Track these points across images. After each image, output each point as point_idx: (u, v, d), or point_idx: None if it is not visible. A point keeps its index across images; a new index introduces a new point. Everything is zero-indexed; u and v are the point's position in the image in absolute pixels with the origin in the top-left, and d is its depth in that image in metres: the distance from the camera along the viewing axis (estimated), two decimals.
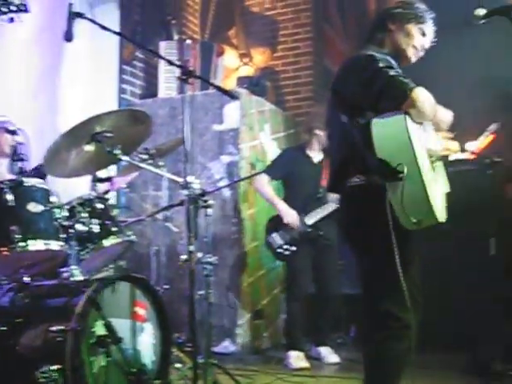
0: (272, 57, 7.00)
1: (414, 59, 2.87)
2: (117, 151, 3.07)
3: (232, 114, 5.44)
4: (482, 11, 2.60)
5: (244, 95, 5.53)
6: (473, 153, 4.59)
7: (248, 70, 6.84)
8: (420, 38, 2.84)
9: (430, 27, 2.87)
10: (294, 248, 4.75)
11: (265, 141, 5.80)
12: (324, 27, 7.11)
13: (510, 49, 2.61)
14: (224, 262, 5.30)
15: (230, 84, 6.33)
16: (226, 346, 5.25)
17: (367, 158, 2.55)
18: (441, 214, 2.58)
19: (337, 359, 4.86)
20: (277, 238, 4.80)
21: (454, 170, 5.00)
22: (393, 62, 2.70)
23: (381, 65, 2.58)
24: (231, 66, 6.85)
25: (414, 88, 2.50)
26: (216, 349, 5.09)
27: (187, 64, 5.83)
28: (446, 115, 2.85)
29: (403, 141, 2.46)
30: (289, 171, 4.90)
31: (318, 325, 5.02)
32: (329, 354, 4.88)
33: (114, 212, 3.44)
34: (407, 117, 2.49)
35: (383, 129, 2.52)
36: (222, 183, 5.33)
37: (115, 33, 3.22)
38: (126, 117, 3.19)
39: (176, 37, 6.15)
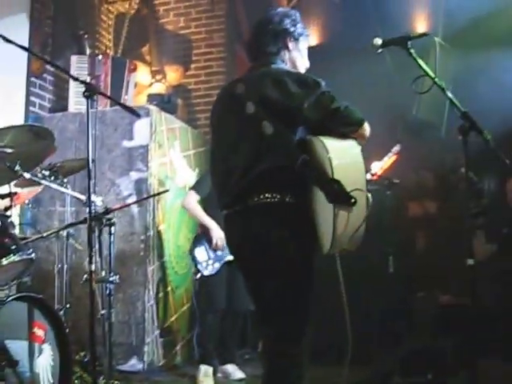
0: (185, 75, 7.00)
1: None
2: (17, 167, 2.97)
3: (142, 130, 5.39)
4: (379, 41, 2.66)
5: (155, 112, 5.49)
6: (375, 174, 4.70)
7: (161, 87, 6.79)
8: (306, 57, 2.90)
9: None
10: (216, 265, 4.77)
11: (175, 158, 5.76)
12: (236, 48, 7.16)
13: (408, 75, 2.66)
14: (132, 278, 5.23)
15: (143, 100, 6.26)
16: (133, 364, 5.16)
17: (291, 175, 2.49)
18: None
19: (242, 375, 4.86)
20: (203, 253, 4.82)
21: None
22: None
23: (325, 89, 2.62)
24: (144, 82, 6.79)
25: (364, 120, 2.57)
26: (123, 367, 5.01)
27: (98, 79, 5.75)
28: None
29: (358, 167, 2.46)
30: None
31: (225, 342, 5.01)
32: (234, 371, 4.87)
33: (15, 229, 3.32)
34: (359, 144, 2.53)
35: (341, 152, 2.47)
36: (130, 200, 5.25)
37: (18, 46, 3.10)
38: (26, 132, 3.08)
39: (88, 51, 6.06)
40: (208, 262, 4.81)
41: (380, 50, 2.67)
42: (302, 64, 2.89)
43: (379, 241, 4.97)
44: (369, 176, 5.11)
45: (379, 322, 5.13)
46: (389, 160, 4.93)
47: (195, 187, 5.02)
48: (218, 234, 4.75)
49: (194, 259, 4.89)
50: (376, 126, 3.24)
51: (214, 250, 4.80)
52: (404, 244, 5.56)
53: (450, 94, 2.53)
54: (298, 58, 2.85)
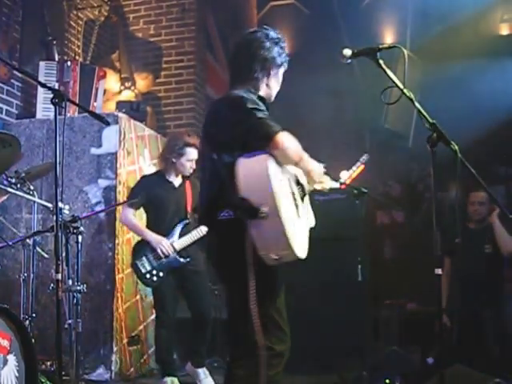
0: (154, 82, 6.95)
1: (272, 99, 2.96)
2: None
3: (111, 137, 5.33)
4: (348, 51, 2.67)
5: (123, 119, 5.43)
6: (344, 183, 4.70)
7: (130, 95, 6.73)
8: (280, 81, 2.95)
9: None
10: (161, 274, 4.64)
11: (143, 166, 5.70)
12: (207, 56, 7.15)
13: (376, 86, 2.67)
14: (99, 287, 5.16)
15: (111, 107, 6.20)
16: (100, 373, 5.09)
17: (232, 196, 2.57)
18: (301, 250, 2.64)
19: (212, 383, 4.80)
20: (145, 264, 4.67)
21: (325, 198, 5.19)
22: (261, 104, 2.75)
23: (249, 106, 2.65)
24: (113, 89, 6.72)
25: (278, 131, 2.58)
26: (90, 376, 4.94)
27: (67, 86, 5.68)
28: (316, 167, 2.91)
29: (263, 180, 2.51)
30: (149, 197, 4.72)
31: (194, 349, 4.94)
32: (205, 378, 4.80)
33: None
34: (270, 157, 2.55)
35: (246, 168, 2.56)
36: (98, 208, 5.18)
37: None
38: None
39: (57, 57, 5.98)
40: (152, 272, 4.63)
41: (349, 61, 2.67)
42: (276, 87, 2.98)
43: (348, 249, 5.00)
44: (337, 185, 5.14)
45: (347, 330, 5.14)
46: (357, 169, 4.95)
47: (128, 201, 4.83)
48: (157, 242, 4.61)
49: (136, 273, 4.69)
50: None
51: (158, 258, 4.65)
52: (372, 252, 5.59)
53: (418, 105, 2.54)
54: (274, 83, 2.95)
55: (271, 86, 2.91)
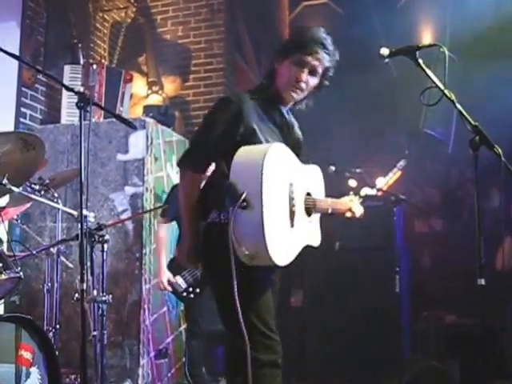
0: (183, 86, 6.96)
1: (296, 97, 2.85)
2: (4, 181, 2.92)
3: (137, 143, 5.35)
4: (386, 51, 2.64)
5: (151, 124, 5.45)
6: (380, 189, 4.66)
7: (157, 99, 6.76)
8: (297, 71, 2.79)
9: (314, 56, 2.79)
10: (198, 290, 4.65)
11: (171, 172, 5.71)
12: (237, 58, 7.15)
13: (416, 89, 2.64)
14: (125, 298, 5.17)
15: (138, 112, 6.23)
16: None
17: (221, 184, 2.58)
18: (280, 257, 2.56)
19: None
20: (180, 282, 4.68)
21: (362, 205, 5.13)
22: (247, 112, 2.72)
23: (209, 119, 2.74)
24: (140, 93, 6.76)
25: (186, 164, 2.71)
26: None
27: (92, 90, 5.72)
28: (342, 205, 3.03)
29: (255, 171, 2.49)
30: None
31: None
32: None
33: (2, 246, 3.27)
34: (273, 150, 2.55)
35: (244, 152, 2.58)
36: (125, 215, 5.20)
37: (9, 54, 3.05)
38: (14, 141, 2.99)
39: (82, 61, 6.04)
40: (189, 289, 4.61)
41: (386, 60, 2.65)
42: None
43: (385, 259, 4.95)
44: (373, 192, 5.08)
45: (384, 343, 5.09)
46: (394, 175, 4.89)
47: (162, 213, 4.82)
48: (160, 276, 4.63)
49: (173, 291, 4.68)
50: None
51: (193, 275, 4.59)
52: (410, 262, 5.53)
53: (459, 106, 2.50)
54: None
55: (279, 82, 2.85)
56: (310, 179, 2.94)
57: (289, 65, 2.79)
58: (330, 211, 3.04)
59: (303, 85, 2.80)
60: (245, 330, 2.49)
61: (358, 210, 3.23)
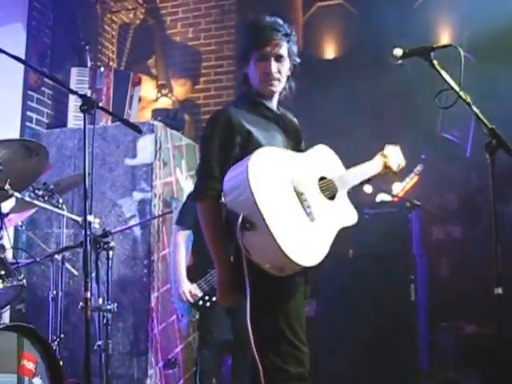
0: (193, 89, 6.95)
1: (276, 88, 2.86)
2: (6, 186, 2.91)
3: (146, 147, 5.33)
4: (399, 51, 2.62)
5: (159, 128, 5.43)
6: (396, 195, 4.63)
7: (167, 102, 6.76)
8: (264, 66, 2.80)
9: (271, 44, 2.79)
10: (214, 298, 4.63)
11: (180, 178, 5.70)
12: None
13: (433, 90, 2.61)
14: (133, 306, 5.15)
15: (148, 116, 6.23)
16: None
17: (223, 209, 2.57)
18: (308, 258, 2.52)
19: None
20: (196, 291, 4.66)
21: (376, 212, 5.11)
22: (237, 120, 2.73)
23: (205, 144, 2.73)
24: (149, 97, 6.76)
25: (200, 196, 2.68)
26: None
27: (100, 93, 5.72)
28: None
29: (244, 189, 2.46)
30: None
31: (235, 372, 4.91)
32: None
33: (5, 253, 3.26)
34: (252, 165, 2.51)
35: (229, 178, 2.57)
36: (133, 222, 5.19)
37: (13, 57, 3.04)
38: (16, 148, 3.00)
39: (90, 63, 6.04)
40: (204, 298, 4.59)
41: (400, 62, 2.63)
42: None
43: (400, 267, 4.91)
44: (389, 197, 5.05)
45: (399, 354, 5.04)
46: (410, 181, 4.87)
47: (178, 221, 4.82)
48: (181, 287, 4.59)
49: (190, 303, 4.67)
50: (397, 143, 3.19)
51: (209, 284, 4.57)
52: (427, 270, 5.48)
53: (475, 109, 2.46)
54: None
55: (252, 83, 2.86)
56: (319, 162, 2.87)
57: (254, 63, 2.80)
58: (362, 180, 3.01)
59: (276, 75, 2.81)
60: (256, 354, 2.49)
61: (395, 163, 3.15)
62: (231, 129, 2.69)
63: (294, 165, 2.71)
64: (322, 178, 2.81)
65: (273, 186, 2.54)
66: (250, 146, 2.66)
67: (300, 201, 2.62)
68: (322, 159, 2.91)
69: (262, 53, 2.77)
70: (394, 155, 3.15)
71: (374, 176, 3.07)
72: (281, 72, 2.82)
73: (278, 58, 2.80)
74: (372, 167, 3.07)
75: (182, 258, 4.73)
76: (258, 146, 2.67)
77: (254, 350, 2.47)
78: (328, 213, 2.74)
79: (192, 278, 4.66)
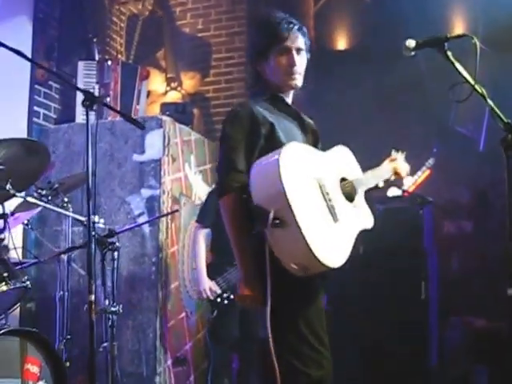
0: (203, 82, 6.85)
1: (298, 82, 2.83)
2: (8, 186, 2.85)
3: (154, 143, 5.25)
4: (412, 42, 2.56)
5: (168, 123, 5.35)
6: (407, 190, 4.54)
7: (176, 96, 6.67)
8: (286, 59, 2.78)
9: (291, 37, 2.79)
10: (232, 296, 4.62)
11: (189, 173, 5.62)
12: None
13: (447, 83, 2.53)
14: (142, 304, 5.11)
15: (157, 110, 6.15)
16: None
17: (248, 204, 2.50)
18: (334, 259, 2.48)
19: None
20: (216, 288, 4.66)
21: (386, 207, 5.04)
22: (259, 112, 2.70)
23: (227, 130, 2.68)
24: (158, 90, 6.68)
25: (224, 191, 2.59)
26: None
27: (107, 87, 5.65)
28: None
29: (275, 183, 2.40)
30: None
31: (242, 371, 4.90)
32: None
33: (8, 254, 3.21)
34: (284, 155, 2.46)
35: (258, 171, 2.51)
36: (142, 219, 5.12)
37: (14, 51, 2.95)
38: (17, 147, 2.95)
39: (97, 56, 5.96)
40: (222, 295, 4.66)
41: (413, 53, 2.57)
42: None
43: (411, 263, 4.85)
44: (400, 192, 4.97)
45: (409, 351, 5.00)
46: (422, 175, 4.77)
47: (199, 219, 4.90)
48: (203, 285, 4.65)
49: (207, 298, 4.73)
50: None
51: (227, 281, 4.66)
52: (438, 266, 5.42)
53: (491, 102, 2.39)
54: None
55: (269, 80, 2.84)
56: (339, 163, 2.86)
57: (275, 59, 2.78)
58: (376, 184, 3.01)
59: (298, 68, 2.80)
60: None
61: (403, 169, 3.16)
62: (255, 120, 2.67)
63: (318, 163, 2.69)
64: (342, 179, 2.80)
65: (301, 182, 2.50)
66: (274, 139, 2.65)
67: (325, 200, 2.59)
68: (342, 160, 2.90)
69: (284, 46, 2.77)
70: (401, 161, 3.18)
71: (385, 181, 3.09)
72: (302, 65, 2.83)
73: (298, 51, 2.81)
74: (383, 172, 3.09)
75: (203, 257, 4.77)
76: (280, 140, 2.65)
77: (273, 352, 2.42)
78: (350, 214, 2.73)
79: (210, 275, 4.71)
